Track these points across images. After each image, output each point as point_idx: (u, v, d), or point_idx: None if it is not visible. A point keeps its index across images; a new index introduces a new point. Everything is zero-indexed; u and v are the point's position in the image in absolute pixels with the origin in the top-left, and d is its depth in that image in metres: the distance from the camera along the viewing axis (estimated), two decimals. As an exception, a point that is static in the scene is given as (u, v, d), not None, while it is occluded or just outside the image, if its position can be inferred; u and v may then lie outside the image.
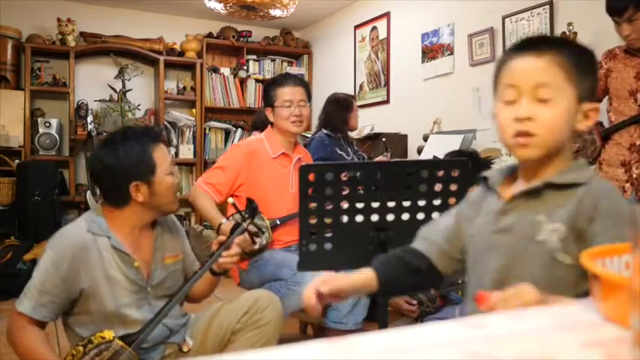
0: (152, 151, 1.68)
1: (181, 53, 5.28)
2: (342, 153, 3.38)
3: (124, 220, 1.69)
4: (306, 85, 2.61)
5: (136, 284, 1.68)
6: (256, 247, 1.91)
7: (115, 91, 4.93)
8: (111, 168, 1.65)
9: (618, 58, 2.41)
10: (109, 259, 1.64)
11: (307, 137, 3.94)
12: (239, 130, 5.47)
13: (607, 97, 2.50)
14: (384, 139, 3.76)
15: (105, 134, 4.74)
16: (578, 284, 0.89)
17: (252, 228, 1.85)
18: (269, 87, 2.58)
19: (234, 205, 1.89)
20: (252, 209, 1.86)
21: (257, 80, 5.53)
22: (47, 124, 4.70)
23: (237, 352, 0.47)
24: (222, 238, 1.83)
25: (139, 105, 5.10)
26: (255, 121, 4.03)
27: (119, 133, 1.75)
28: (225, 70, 5.48)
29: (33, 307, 1.57)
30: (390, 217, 1.44)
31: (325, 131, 3.44)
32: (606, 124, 2.52)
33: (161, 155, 1.70)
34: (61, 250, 1.59)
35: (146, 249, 1.75)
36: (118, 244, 1.66)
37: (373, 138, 4.18)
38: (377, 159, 3.73)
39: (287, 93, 2.48)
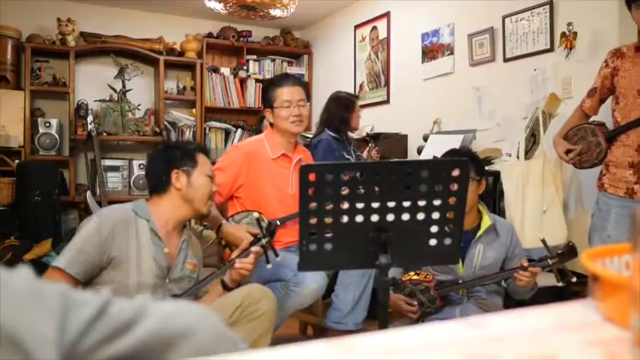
0: (196, 152, 2.00)
1: (181, 53, 5.28)
2: (348, 157, 3.37)
3: (162, 209, 1.92)
4: (304, 85, 2.61)
5: (159, 269, 1.85)
6: (269, 266, 1.98)
7: (115, 91, 4.94)
8: (159, 157, 1.99)
9: (627, 56, 2.37)
10: (143, 239, 1.84)
11: (308, 137, 3.94)
12: (239, 130, 5.47)
13: (612, 97, 2.48)
14: (367, 138, 3.86)
15: (105, 134, 4.75)
16: None
17: (268, 246, 2.00)
18: (267, 88, 2.58)
19: (258, 220, 2.01)
20: (271, 230, 2.07)
21: (257, 80, 5.53)
22: (47, 124, 4.70)
23: (237, 352, 0.47)
24: (244, 246, 1.99)
25: (139, 105, 5.10)
26: (256, 126, 4.06)
27: (173, 140, 2.15)
28: (225, 70, 5.47)
29: (69, 262, 1.74)
30: (391, 217, 1.43)
31: (331, 133, 3.41)
32: (609, 124, 2.50)
33: (203, 160, 2.01)
34: (106, 219, 1.82)
35: (173, 246, 1.94)
36: (156, 228, 1.88)
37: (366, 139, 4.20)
38: (365, 153, 3.74)
39: (286, 93, 2.47)
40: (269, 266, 1.98)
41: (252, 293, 1.91)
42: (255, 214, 2.09)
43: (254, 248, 1.95)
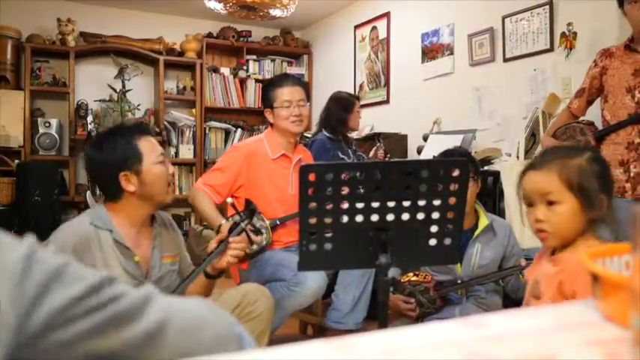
0: (137, 142, 1.73)
1: (181, 53, 5.28)
2: (343, 157, 3.37)
3: (123, 214, 1.74)
4: (304, 85, 2.61)
5: (135, 279, 1.71)
6: (254, 247, 1.92)
7: (114, 91, 4.93)
8: (99, 162, 1.73)
9: (615, 55, 2.38)
10: (109, 253, 1.68)
11: (307, 137, 3.94)
12: (239, 130, 5.47)
13: (601, 96, 2.48)
14: (374, 137, 3.86)
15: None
16: None
17: (250, 228, 1.88)
18: (267, 88, 2.58)
19: (232, 205, 1.93)
20: (250, 210, 1.90)
21: (257, 80, 5.53)
22: (47, 124, 4.70)
23: (237, 352, 0.47)
24: (221, 236, 1.86)
25: (138, 105, 5.09)
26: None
27: (106, 130, 1.84)
28: (225, 70, 5.48)
29: None
30: (390, 217, 1.43)
31: (326, 133, 3.42)
32: (598, 123, 2.50)
33: (147, 146, 1.74)
34: (63, 243, 1.62)
35: (145, 246, 1.79)
36: (120, 237, 1.70)
37: (373, 138, 4.19)
38: (372, 152, 3.74)
39: (286, 93, 2.48)
40: (254, 247, 1.92)
41: (249, 293, 1.86)
42: (229, 200, 1.98)
43: (235, 239, 1.84)
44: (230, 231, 1.86)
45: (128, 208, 1.74)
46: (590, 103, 2.54)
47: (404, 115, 4.43)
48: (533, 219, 1.29)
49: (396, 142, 4.22)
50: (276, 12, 3.98)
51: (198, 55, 5.30)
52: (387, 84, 4.71)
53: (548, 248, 1.38)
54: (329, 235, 1.48)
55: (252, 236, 1.93)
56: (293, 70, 5.68)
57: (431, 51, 4.21)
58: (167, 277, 1.83)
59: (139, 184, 1.71)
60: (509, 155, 3.08)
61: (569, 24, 3.12)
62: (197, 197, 2.37)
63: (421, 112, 4.19)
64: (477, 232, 2.20)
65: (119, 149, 1.70)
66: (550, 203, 1.26)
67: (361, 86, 5.03)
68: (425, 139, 3.84)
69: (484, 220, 2.22)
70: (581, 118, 2.60)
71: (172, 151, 5.13)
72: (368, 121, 4.60)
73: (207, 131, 5.33)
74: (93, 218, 1.70)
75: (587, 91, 2.51)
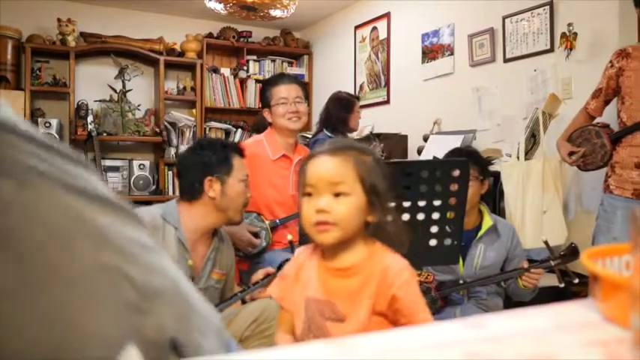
0: (232, 156, 1.86)
1: (181, 53, 5.28)
2: None
3: (192, 217, 1.79)
4: (301, 83, 2.61)
5: None
6: (254, 250, 1.91)
7: (115, 91, 4.94)
8: (193, 160, 1.85)
9: (632, 56, 2.35)
10: (169, 248, 1.72)
11: (308, 138, 3.94)
12: (239, 130, 5.47)
13: (617, 97, 2.45)
14: (370, 136, 3.85)
15: (105, 134, 4.75)
16: None
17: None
18: (264, 88, 2.58)
19: (290, 242, 1.89)
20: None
21: (257, 81, 5.53)
22: (47, 125, 4.70)
23: (237, 352, 0.47)
24: (269, 270, 1.86)
25: (139, 105, 5.10)
26: (256, 123, 4.04)
27: (210, 139, 1.95)
28: (226, 71, 5.48)
29: None
30: (390, 217, 1.43)
31: (328, 133, 3.43)
32: (614, 125, 2.48)
33: (239, 163, 1.88)
34: None
35: (200, 255, 1.83)
36: (183, 237, 1.76)
37: (369, 138, 4.19)
38: None
39: (282, 91, 2.48)
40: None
41: (268, 309, 1.80)
42: (289, 236, 1.87)
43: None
44: (280, 267, 1.84)
45: (200, 213, 1.81)
46: (607, 103, 2.51)
47: (404, 116, 4.43)
48: (314, 209, 1.14)
49: (397, 142, 4.22)
50: (276, 12, 3.98)
51: (198, 56, 5.30)
52: (387, 84, 4.71)
53: (313, 254, 1.25)
54: (329, 235, 1.48)
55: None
56: (293, 70, 5.68)
57: (431, 51, 4.21)
58: (208, 293, 1.83)
59: (220, 193, 1.81)
60: (510, 156, 3.08)
61: (569, 24, 3.12)
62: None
63: (421, 113, 4.19)
64: (480, 233, 2.20)
65: (216, 155, 1.83)
66: (337, 195, 1.15)
67: (361, 86, 5.03)
68: (425, 139, 3.84)
69: (488, 221, 2.21)
70: (597, 120, 2.57)
71: (172, 151, 5.12)
72: (368, 122, 4.60)
73: (207, 131, 5.33)
74: (164, 211, 1.78)
75: (604, 91, 2.46)
